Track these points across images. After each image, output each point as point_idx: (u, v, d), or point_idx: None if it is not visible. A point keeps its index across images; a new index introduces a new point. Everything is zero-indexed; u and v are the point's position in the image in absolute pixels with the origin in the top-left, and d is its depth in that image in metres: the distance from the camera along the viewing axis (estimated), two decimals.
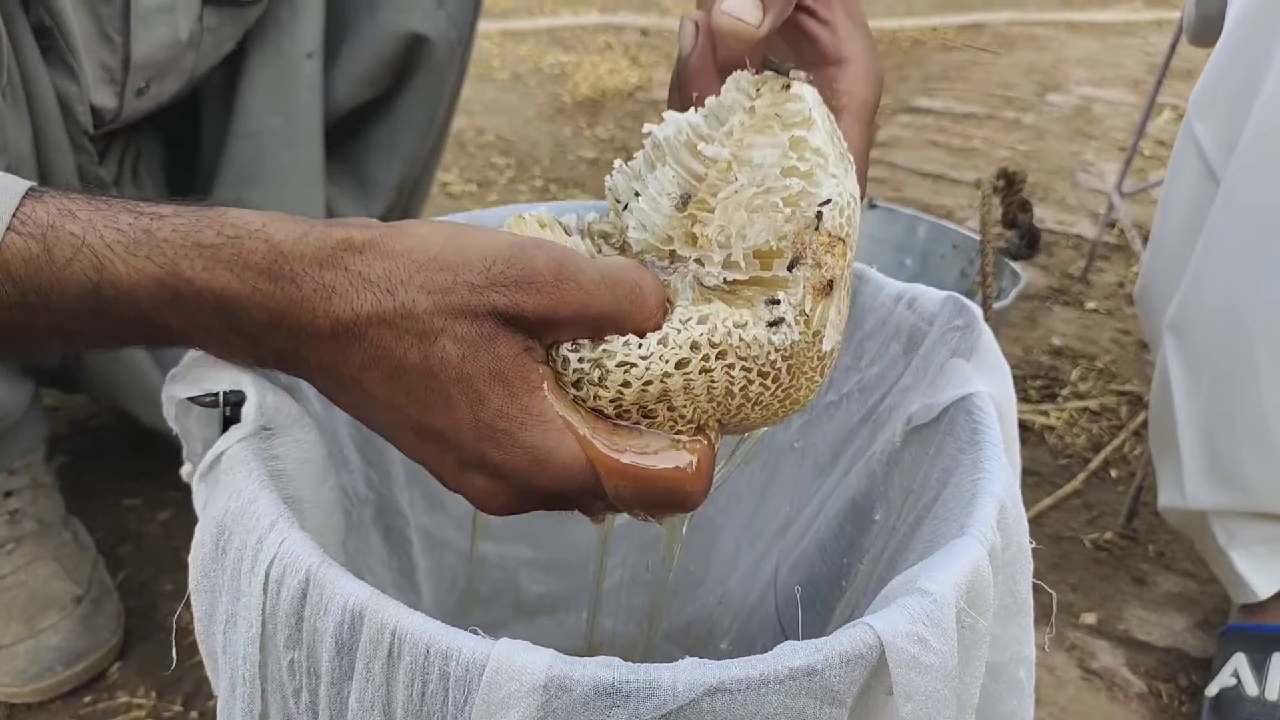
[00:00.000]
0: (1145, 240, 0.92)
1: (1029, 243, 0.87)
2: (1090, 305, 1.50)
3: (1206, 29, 0.97)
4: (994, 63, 2.70)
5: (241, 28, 0.78)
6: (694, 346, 0.39)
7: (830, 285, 0.40)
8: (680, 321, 0.39)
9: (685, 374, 0.39)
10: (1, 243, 0.34)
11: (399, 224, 0.38)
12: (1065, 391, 1.27)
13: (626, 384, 0.39)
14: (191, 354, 0.42)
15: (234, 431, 0.40)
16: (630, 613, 0.75)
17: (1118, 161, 1.93)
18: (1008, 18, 3.13)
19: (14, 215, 0.34)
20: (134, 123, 0.78)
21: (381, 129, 0.89)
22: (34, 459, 0.84)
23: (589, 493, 0.39)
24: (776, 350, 0.40)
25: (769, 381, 0.40)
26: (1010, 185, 0.82)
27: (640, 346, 0.39)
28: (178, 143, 0.86)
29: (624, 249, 0.43)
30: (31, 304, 0.35)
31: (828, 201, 0.40)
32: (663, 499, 0.39)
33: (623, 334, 0.39)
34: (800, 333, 0.40)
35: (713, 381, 0.39)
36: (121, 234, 0.35)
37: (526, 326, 0.37)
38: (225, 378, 0.41)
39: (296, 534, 0.36)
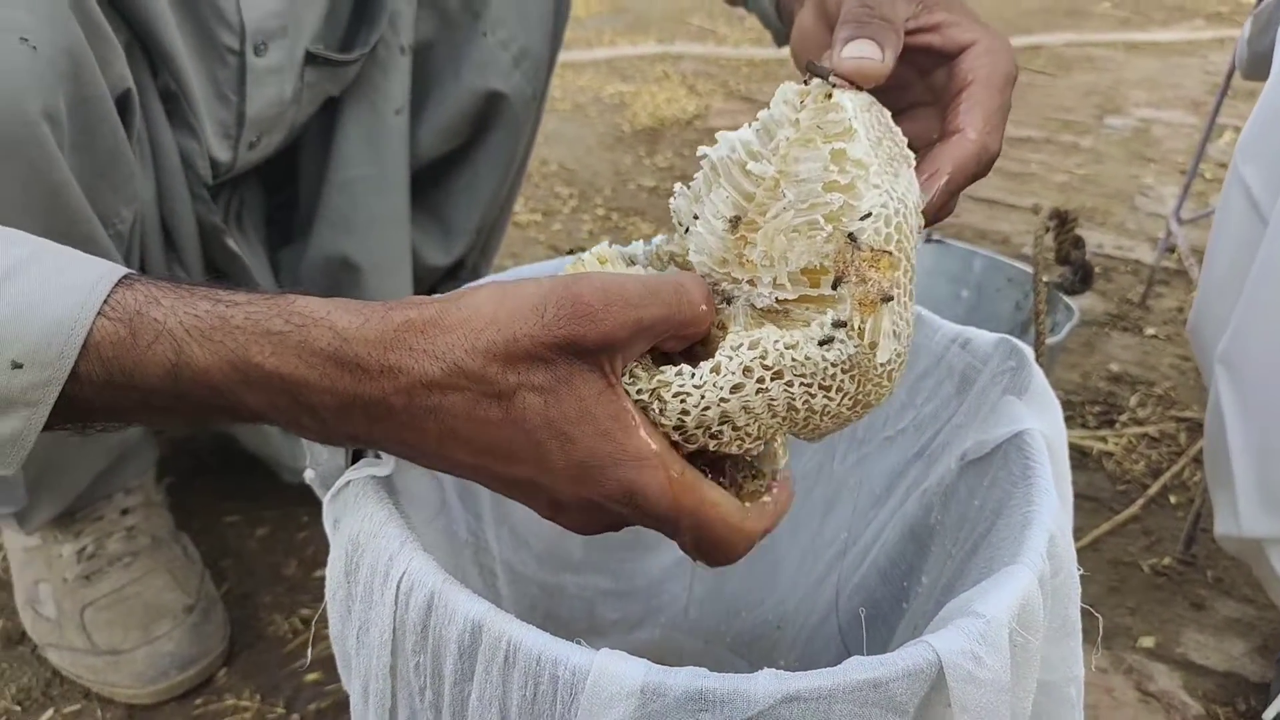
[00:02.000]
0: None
1: (1082, 278, 0.90)
2: (1149, 331, 1.51)
3: (1257, 65, 0.99)
4: (1051, 85, 2.71)
5: (338, 84, 0.85)
6: (746, 371, 0.40)
7: (879, 298, 0.40)
8: (732, 349, 0.41)
9: (741, 397, 0.40)
10: (93, 326, 0.38)
11: (451, 296, 0.40)
12: (1124, 417, 1.28)
13: (685, 412, 0.41)
14: None
15: (366, 466, 0.45)
16: (698, 630, 0.79)
17: (1177, 185, 1.93)
18: (1065, 39, 3.12)
19: (105, 302, 0.38)
20: (239, 174, 0.86)
21: (462, 177, 0.96)
22: (147, 479, 0.91)
23: (667, 526, 0.41)
24: (833, 365, 0.40)
25: (833, 393, 0.41)
26: (1063, 224, 0.85)
27: (694, 376, 0.40)
28: (275, 190, 0.94)
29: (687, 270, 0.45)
30: (118, 383, 0.38)
31: (868, 215, 0.40)
32: (715, 550, 0.42)
33: (681, 334, 0.41)
34: (856, 346, 0.40)
35: (773, 399, 0.40)
36: (199, 320, 0.38)
37: (594, 357, 0.39)
38: None
39: (422, 555, 0.41)
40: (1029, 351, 0.55)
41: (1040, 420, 0.53)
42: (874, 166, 0.41)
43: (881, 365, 0.41)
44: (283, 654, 0.89)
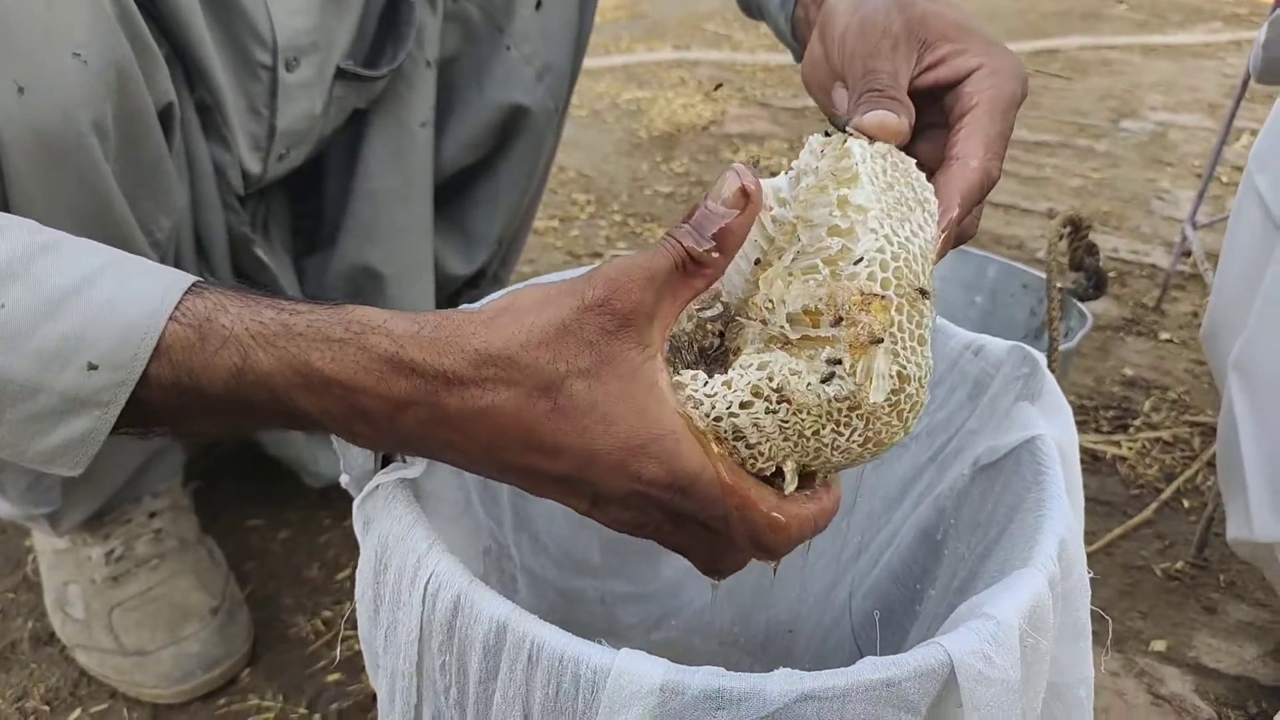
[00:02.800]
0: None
1: (1096, 284, 0.91)
2: (1164, 336, 1.51)
3: (1273, 71, 1.00)
4: (1067, 89, 2.71)
5: (365, 98, 0.87)
6: (755, 390, 0.41)
7: (869, 340, 0.41)
8: (742, 367, 0.42)
9: (752, 414, 0.41)
10: (164, 331, 0.40)
11: (497, 301, 0.42)
12: (1138, 422, 1.28)
13: (698, 420, 0.42)
14: None
15: (395, 469, 0.47)
16: (712, 632, 0.81)
17: (1193, 189, 1.93)
18: (1081, 43, 3.12)
19: (176, 308, 0.40)
20: (267, 185, 0.88)
21: (485, 188, 0.98)
22: (174, 483, 0.93)
23: (713, 506, 0.41)
24: (837, 400, 0.41)
25: (842, 428, 0.42)
26: (1077, 230, 0.86)
27: (706, 385, 0.42)
28: (301, 200, 0.96)
29: (726, 309, 0.47)
30: (184, 385, 0.40)
31: (860, 260, 0.41)
32: (760, 538, 0.43)
33: (699, 275, 0.41)
34: (856, 384, 0.41)
35: (783, 423, 0.42)
36: (264, 327, 0.40)
37: (630, 328, 0.40)
38: None
39: (449, 557, 0.43)
40: (1041, 358, 0.56)
41: (1052, 426, 0.54)
42: (874, 211, 0.42)
43: (882, 405, 0.42)
44: (305, 655, 0.90)
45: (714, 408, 0.42)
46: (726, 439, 0.42)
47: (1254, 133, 2.26)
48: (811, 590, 0.75)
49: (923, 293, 0.42)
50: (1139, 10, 3.60)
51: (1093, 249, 0.88)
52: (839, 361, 0.41)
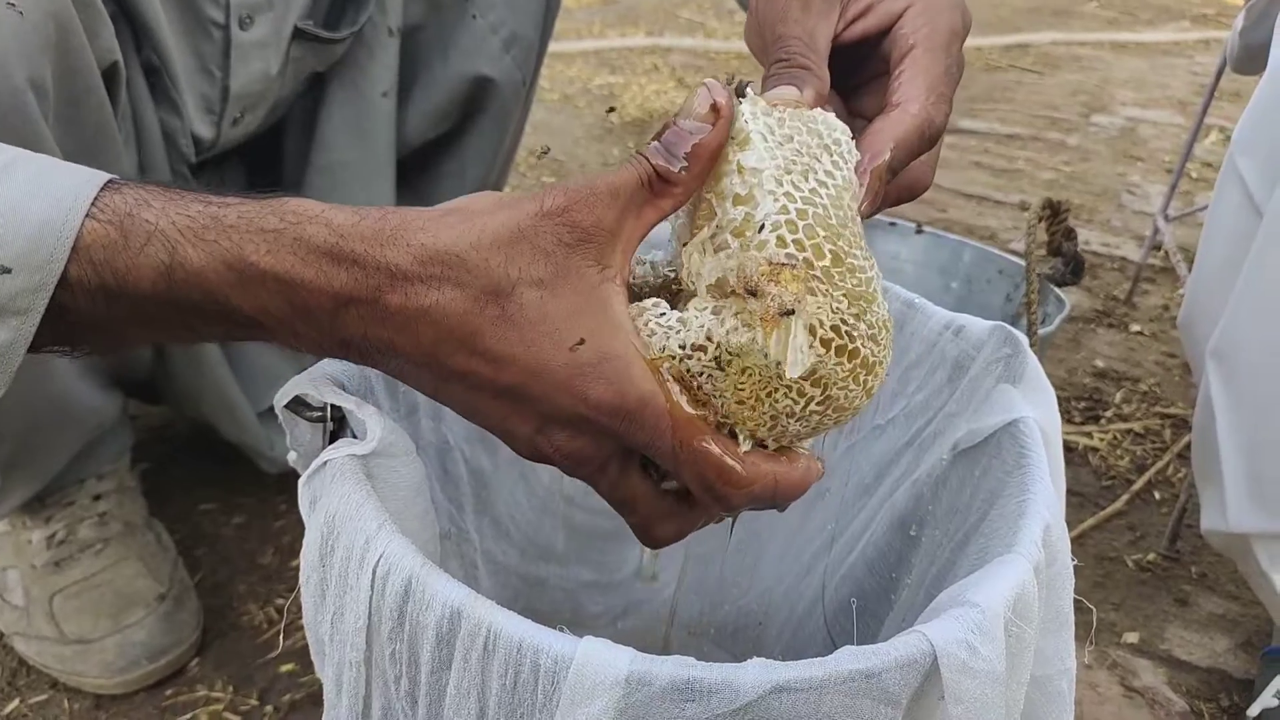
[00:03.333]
0: (1190, 264, 0.94)
1: (1073, 269, 0.90)
2: (1135, 328, 1.51)
3: (1250, 58, 0.99)
4: (1038, 84, 2.71)
5: (324, 61, 0.83)
6: (709, 335, 0.39)
7: (779, 313, 0.38)
8: (697, 309, 0.40)
9: (704, 363, 0.39)
10: (81, 229, 0.36)
11: (448, 202, 0.39)
12: (1109, 413, 1.28)
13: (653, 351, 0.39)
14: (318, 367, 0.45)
15: (345, 445, 0.44)
16: (680, 622, 0.78)
17: (1163, 183, 1.94)
18: (1052, 38, 3.13)
19: (93, 204, 0.36)
20: (221, 155, 0.84)
21: (450, 162, 0.94)
22: (121, 464, 0.89)
23: (661, 437, 0.39)
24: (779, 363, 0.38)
25: (795, 395, 0.39)
26: (1055, 214, 0.85)
27: (663, 316, 0.40)
28: (258, 173, 0.92)
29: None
30: (110, 288, 0.37)
31: (762, 227, 0.39)
32: (711, 482, 0.40)
33: (657, 196, 0.39)
34: (777, 360, 0.39)
35: (738, 385, 0.39)
36: (192, 220, 0.37)
37: (591, 244, 0.38)
38: (349, 400, 0.45)
39: (400, 538, 0.40)
40: (1024, 339, 0.54)
41: (1035, 408, 0.52)
42: (768, 171, 0.40)
43: (834, 371, 0.39)
44: (257, 644, 0.87)
45: (669, 340, 0.39)
46: (684, 379, 0.40)
47: (1223, 130, 2.27)
48: (783, 580, 0.72)
49: (837, 257, 0.39)
50: (1109, 8, 3.62)
51: (1071, 234, 0.86)
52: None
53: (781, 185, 0.39)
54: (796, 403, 0.40)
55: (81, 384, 0.79)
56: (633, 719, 0.36)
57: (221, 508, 1.02)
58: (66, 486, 0.85)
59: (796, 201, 0.39)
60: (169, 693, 0.82)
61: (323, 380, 0.47)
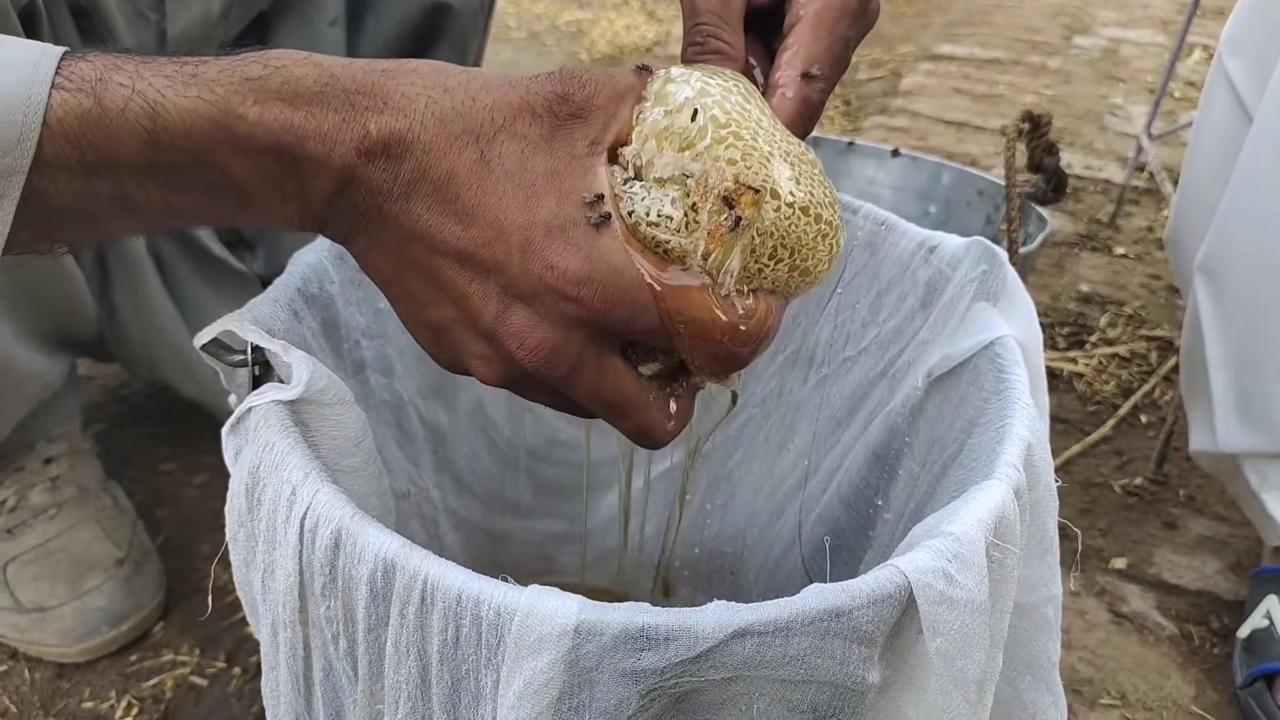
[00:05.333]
0: (1175, 183, 0.91)
1: (1055, 186, 0.86)
2: (1119, 250, 1.48)
3: None
4: (1019, 6, 2.65)
5: None
6: (673, 202, 0.38)
7: (730, 230, 0.38)
8: (658, 179, 0.38)
9: (649, 219, 0.38)
10: (50, 101, 0.32)
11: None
12: (1094, 338, 1.25)
13: (632, 212, 0.38)
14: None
15: (271, 390, 0.40)
16: (651, 566, 0.76)
17: (1146, 104, 1.89)
18: None
19: (57, 73, 0.33)
20: None
21: None
22: (72, 426, 0.86)
23: (643, 312, 0.37)
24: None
25: (766, 259, 0.39)
26: (1035, 128, 0.81)
27: (628, 183, 0.38)
28: None
29: None
30: (92, 165, 0.34)
31: (695, 113, 0.38)
32: (717, 342, 0.38)
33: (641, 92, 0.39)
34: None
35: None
36: (170, 79, 0.34)
37: (580, 120, 0.37)
38: (275, 344, 0.41)
39: (328, 487, 0.37)
40: (1002, 253, 0.51)
41: (1015, 326, 0.49)
42: (714, 94, 0.39)
43: (806, 234, 0.39)
44: (223, 605, 0.84)
45: (634, 207, 0.38)
46: (652, 249, 0.38)
47: (1206, 48, 2.22)
48: (757, 521, 0.70)
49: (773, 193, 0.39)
50: None
51: (1052, 148, 0.82)
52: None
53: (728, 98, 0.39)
54: (767, 266, 0.39)
55: (21, 346, 0.74)
56: (584, 671, 0.33)
57: (182, 467, 0.98)
58: (15, 451, 0.81)
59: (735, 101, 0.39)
60: (133, 658, 0.80)
61: (248, 321, 0.44)
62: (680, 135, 0.38)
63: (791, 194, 0.39)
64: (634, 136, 0.39)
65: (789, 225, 0.39)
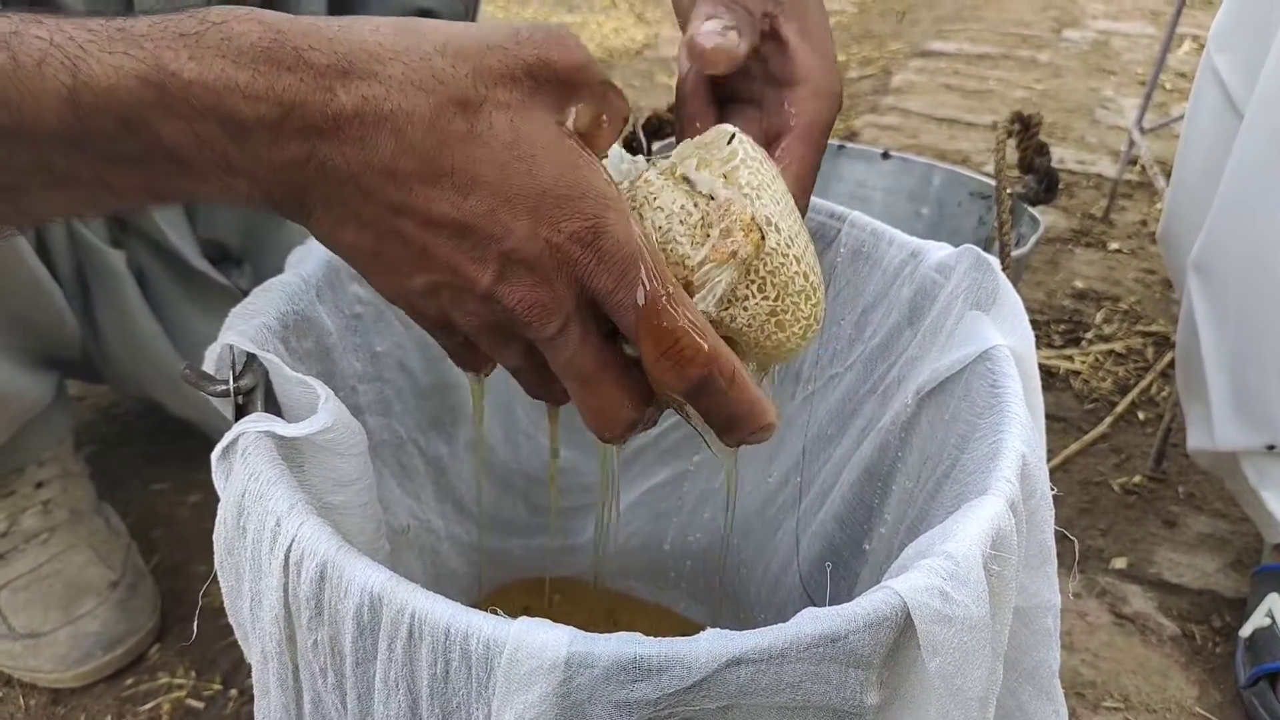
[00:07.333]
0: (1168, 176, 0.90)
1: (1047, 186, 0.85)
2: (1113, 246, 1.47)
3: None
4: (1008, 1, 2.64)
5: None
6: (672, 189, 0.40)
7: (730, 255, 0.40)
8: (658, 173, 0.41)
9: (662, 229, 0.40)
10: None
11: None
12: (1090, 335, 1.25)
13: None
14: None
15: (265, 420, 0.40)
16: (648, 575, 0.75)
17: (1138, 97, 1.89)
18: None
19: None
20: None
21: None
22: (63, 449, 0.85)
23: (625, 288, 0.36)
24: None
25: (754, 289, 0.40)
26: (1026, 128, 0.80)
27: (624, 162, 0.41)
28: None
29: None
30: (5, 126, 0.30)
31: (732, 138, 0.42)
32: (675, 340, 0.37)
33: (616, 117, 0.38)
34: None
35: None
36: (94, 34, 0.31)
37: (559, 91, 0.36)
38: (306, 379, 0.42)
39: (314, 519, 0.36)
40: (994, 261, 0.50)
41: (1008, 334, 0.48)
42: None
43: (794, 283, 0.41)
44: (219, 626, 0.83)
45: (634, 190, 0.40)
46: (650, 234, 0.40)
47: (1196, 39, 2.22)
48: (753, 534, 0.69)
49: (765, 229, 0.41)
50: None
51: (1043, 149, 0.82)
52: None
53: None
54: (752, 298, 0.41)
55: (2, 365, 0.74)
56: (577, 704, 0.32)
57: (175, 487, 0.98)
58: (5, 475, 0.80)
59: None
60: (129, 682, 0.79)
61: (264, 336, 0.43)
62: (721, 161, 0.41)
63: (790, 241, 0.41)
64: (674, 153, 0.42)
65: (781, 264, 0.41)
